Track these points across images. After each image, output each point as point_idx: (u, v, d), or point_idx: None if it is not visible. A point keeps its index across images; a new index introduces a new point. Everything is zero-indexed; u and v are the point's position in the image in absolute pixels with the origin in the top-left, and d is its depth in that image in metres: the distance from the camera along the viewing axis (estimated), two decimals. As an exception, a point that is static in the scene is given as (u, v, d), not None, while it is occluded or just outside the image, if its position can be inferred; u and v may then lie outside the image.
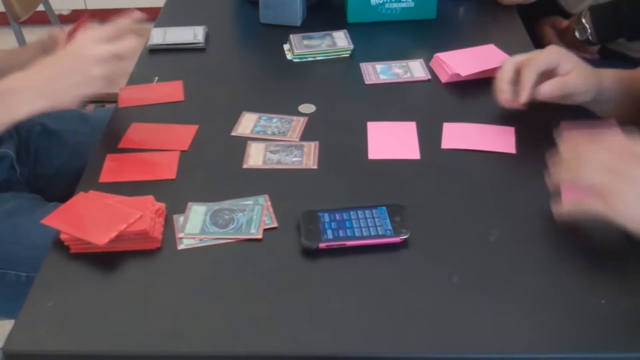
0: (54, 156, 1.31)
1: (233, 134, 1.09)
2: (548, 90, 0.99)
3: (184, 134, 1.08)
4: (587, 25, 1.43)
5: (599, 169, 0.80)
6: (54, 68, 0.99)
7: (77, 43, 1.01)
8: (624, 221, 0.79)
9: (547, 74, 1.02)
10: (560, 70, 1.00)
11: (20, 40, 1.88)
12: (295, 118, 1.12)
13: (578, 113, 1.06)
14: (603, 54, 1.53)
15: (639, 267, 0.84)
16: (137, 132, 1.10)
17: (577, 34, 1.45)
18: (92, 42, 1.00)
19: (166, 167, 1.01)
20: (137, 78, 1.25)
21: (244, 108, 1.14)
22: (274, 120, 1.11)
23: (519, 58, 1.04)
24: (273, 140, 1.07)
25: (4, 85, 0.98)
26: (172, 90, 1.20)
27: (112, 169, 1.01)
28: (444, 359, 0.76)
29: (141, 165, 1.02)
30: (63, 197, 0.96)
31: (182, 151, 1.05)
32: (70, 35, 1.15)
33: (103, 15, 1.16)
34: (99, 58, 0.98)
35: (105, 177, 1.00)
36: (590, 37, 1.43)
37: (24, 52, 1.23)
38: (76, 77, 0.98)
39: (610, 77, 1.04)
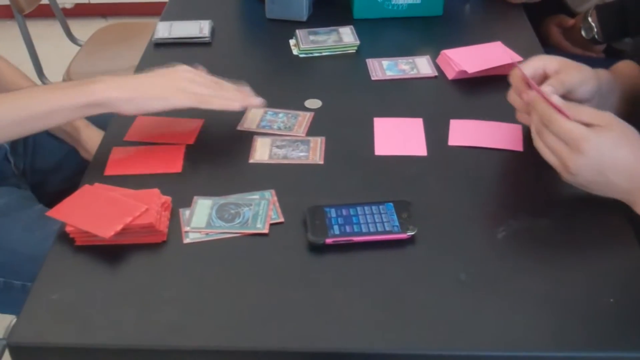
0: (52, 150, 1.30)
1: (239, 128, 1.09)
2: (549, 89, 0.96)
3: (189, 128, 1.08)
4: (593, 24, 1.42)
5: (549, 154, 0.89)
6: (147, 77, 1.00)
7: (177, 69, 1.02)
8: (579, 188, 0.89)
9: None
10: (548, 72, 0.99)
11: (25, 33, 1.88)
12: (301, 113, 1.11)
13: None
14: (609, 54, 1.53)
15: (648, 266, 0.84)
16: (142, 126, 1.09)
17: (583, 32, 1.45)
18: (189, 69, 1.03)
19: (172, 161, 1.00)
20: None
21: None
22: (280, 115, 1.11)
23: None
24: (279, 135, 1.06)
25: (91, 92, 0.96)
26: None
27: (118, 162, 1.01)
28: (450, 356, 0.76)
29: (147, 158, 1.02)
30: (60, 191, 0.95)
31: (188, 145, 1.04)
32: None
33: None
34: (193, 78, 1.00)
35: (110, 170, 0.99)
36: (596, 36, 1.43)
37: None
38: (166, 90, 0.98)
39: (606, 72, 1.03)
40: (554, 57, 1.00)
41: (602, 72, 1.03)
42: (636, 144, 0.86)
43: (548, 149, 0.89)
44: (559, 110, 0.87)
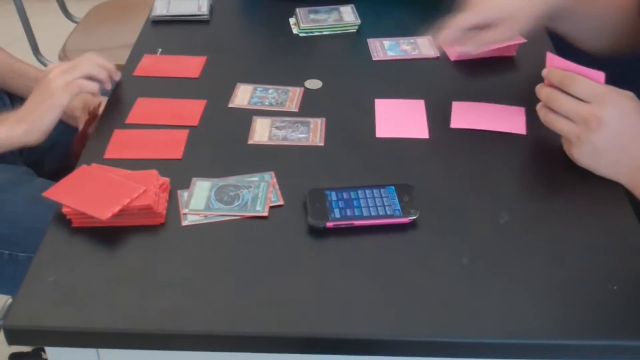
0: None
1: (230, 105, 1.07)
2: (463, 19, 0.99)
3: (192, 109, 1.06)
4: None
5: (562, 121, 0.87)
6: (30, 101, 1.07)
7: (46, 76, 1.07)
8: (577, 162, 0.89)
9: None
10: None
11: (20, 9, 1.85)
12: (291, 88, 1.10)
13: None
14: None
15: (651, 253, 0.83)
16: (144, 107, 1.07)
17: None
18: (54, 66, 1.08)
19: (173, 146, 0.99)
20: (139, 49, 1.22)
21: (247, 82, 1.12)
22: (270, 91, 1.10)
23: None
24: (273, 112, 1.05)
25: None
26: (192, 65, 1.18)
27: (118, 145, 0.99)
28: (452, 342, 0.75)
29: (148, 142, 1.00)
30: (57, 169, 0.94)
31: (191, 128, 1.02)
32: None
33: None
34: (59, 71, 1.06)
35: (110, 153, 0.98)
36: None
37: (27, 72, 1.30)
38: (45, 101, 1.05)
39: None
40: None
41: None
42: None
43: (563, 116, 0.87)
44: (595, 78, 0.86)
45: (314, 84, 1.13)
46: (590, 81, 0.86)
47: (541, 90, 0.91)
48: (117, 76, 1.12)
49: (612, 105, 0.84)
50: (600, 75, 0.87)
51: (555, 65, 0.90)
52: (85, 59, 1.09)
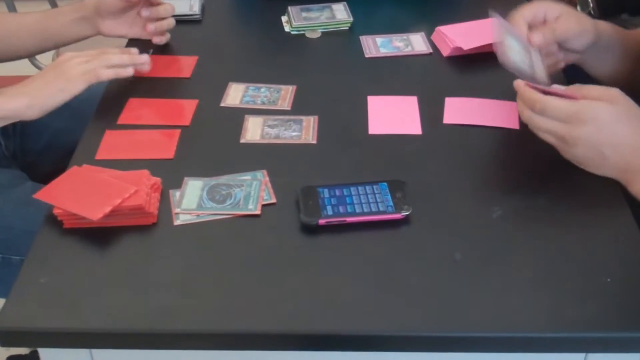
0: (42, 131, 1.28)
1: (222, 105, 1.07)
2: (539, 37, 0.95)
3: (184, 109, 1.06)
4: (589, 0, 1.41)
5: (549, 136, 0.87)
6: (40, 78, 1.05)
7: (64, 57, 1.06)
8: (575, 163, 0.88)
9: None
10: (548, 18, 0.97)
11: (12, 11, 1.84)
12: (283, 87, 1.10)
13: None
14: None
15: (645, 245, 0.82)
16: (135, 108, 1.07)
17: (579, 8, 1.43)
18: (73, 54, 1.07)
19: (165, 146, 0.98)
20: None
21: (240, 81, 1.12)
22: (262, 89, 1.10)
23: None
24: (265, 111, 1.05)
25: None
26: (184, 65, 1.18)
27: (110, 145, 0.99)
28: (446, 337, 0.75)
29: (140, 143, 1.00)
30: (52, 172, 0.94)
31: (182, 127, 1.02)
32: None
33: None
34: (79, 61, 1.04)
35: (102, 154, 0.97)
36: (592, 12, 1.41)
37: (60, 17, 1.24)
38: (59, 83, 1.03)
39: (608, 27, 1.01)
40: (556, 4, 0.98)
41: (603, 26, 1.00)
42: (637, 120, 0.84)
43: (546, 132, 0.87)
44: (566, 96, 0.85)
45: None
46: (559, 102, 0.85)
47: (522, 113, 0.90)
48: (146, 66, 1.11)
49: (587, 121, 0.83)
50: (567, 92, 0.86)
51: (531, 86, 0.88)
52: (106, 54, 1.08)
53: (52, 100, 1.02)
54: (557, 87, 0.88)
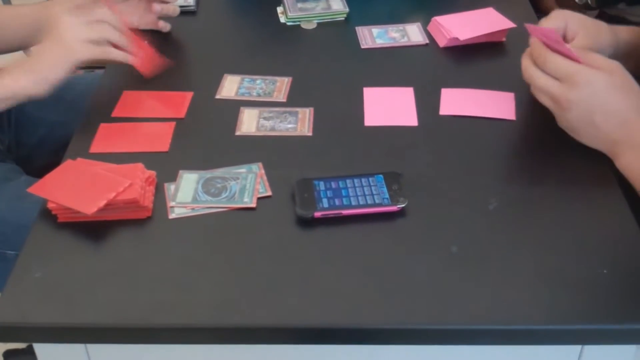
0: (37, 124, 1.28)
1: (217, 96, 1.06)
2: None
3: (179, 101, 1.05)
4: (587, -11, 1.40)
5: (543, 96, 0.89)
6: (43, 51, 1.00)
7: (59, 25, 1.01)
8: (568, 131, 0.90)
9: None
10: (568, 35, 0.97)
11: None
12: (279, 78, 1.09)
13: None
14: (602, 19, 1.50)
15: (642, 236, 0.82)
16: (130, 100, 1.06)
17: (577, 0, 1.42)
18: (72, 18, 1.01)
19: (160, 139, 0.98)
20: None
21: (235, 73, 1.11)
22: (258, 81, 1.09)
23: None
24: (261, 103, 1.04)
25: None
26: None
27: (105, 138, 0.98)
28: (442, 330, 0.75)
29: (134, 136, 0.99)
30: (47, 165, 0.93)
31: (177, 120, 1.01)
32: None
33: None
34: (80, 27, 0.99)
35: (96, 147, 0.97)
36: (589, 2, 1.40)
37: (54, 6, 1.18)
38: (59, 51, 0.98)
39: (626, 31, 1.02)
40: (575, 17, 0.98)
41: (621, 32, 1.01)
42: (633, 94, 0.85)
43: (542, 90, 0.88)
44: (572, 58, 0.86)
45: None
46: (561, 60, 0.87)
47: (525, 70, 0.91)
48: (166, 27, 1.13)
49: (581, 85, 0.85)
50: (573, 53, 0.86)
51: (536, 35, 0.90)
52: (106, 20, 1.01)
53: (57, 72, 0.98)
54: (567, 47, 0.88)
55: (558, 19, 0.98)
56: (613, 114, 0.85)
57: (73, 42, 0.98)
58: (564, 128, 0.90)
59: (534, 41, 0.91)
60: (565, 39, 0.97)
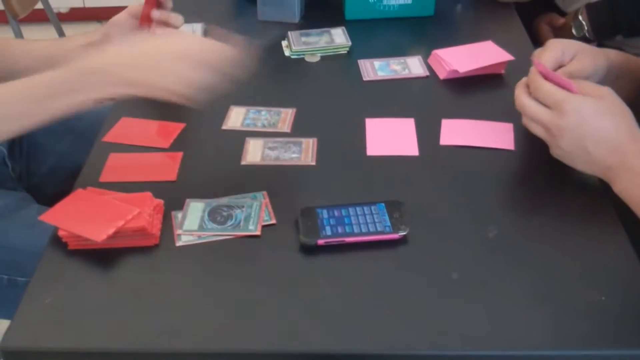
0: (48, 153, 1.30)
1: (224, 127, 1.09)
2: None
3: (168, 132, 1.08)
4: (583, 23, 1.43)
5: (535, 126, 0.91)
6: (150, 56, 0.90)
7: (170, 38, 0.94)
8: (562, 159, 0.91)
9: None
10: (564, 60, 1.00)
11: (18, 37, 1.88)
12: (283, 110, 1.12)
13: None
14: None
15: (639, 263, 0.84)
16: (124, 128, 1.10)
17: (573, 31, 1.45)
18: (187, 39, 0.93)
19: (168, 169, 1.00)
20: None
21: (241, 104, 1.14)
22: (263, 112, 1.12)
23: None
24: (266, 133, 1.07)
25: (88, 64, 0.90)
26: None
27: (114, 168, 1.01)
28: (443, 356, 0.76)
29: (143, 166, 1.02)
30: (57, 194, 0.95)
31: (177, 150, 1.04)
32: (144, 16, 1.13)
33: (101, 14, 1.17)
34: (196, 59, 0.91)
35: (106, 176, 0.99)
36: (587, 34, 1.43)
37: (67, 43, 1.20)
38: (174, 71, 0.89)
39: (616, 54, 1.04)
40: (571, 44, 1.01)
41: (613, 55, 1.03)
42: (622, 118, 0.86)
43: (533, 119, 0.90)
44: (564, 85, 0.88)
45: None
46: (551, 87, 0.88)
47: (517, 98, 0.94)
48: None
49: (571, 112, 0.86)
50: (571, 84, 0.88)
51: (539, 70, 0.92)
52: (221, 60, 0.92)
53: (160, 88, 0.89)
54: (560, 76, 0.90)
55: (554, 47, 1.00)
56: (604, 139, 0.86)
57: (174, 79, 0.90)
58: (557, 157, 0.91)
59: (532, 70, 0.93)
60: (562, 63, 0.99)
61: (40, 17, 2.14)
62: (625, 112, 0.87)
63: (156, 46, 0.93)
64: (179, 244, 0.88)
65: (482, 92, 1.17)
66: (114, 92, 0.90)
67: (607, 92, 0.88)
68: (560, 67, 0.99)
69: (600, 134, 0.86)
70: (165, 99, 0.90)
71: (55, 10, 2.12)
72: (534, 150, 0.99)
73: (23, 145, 1.29)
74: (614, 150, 0.85)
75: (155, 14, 1.14)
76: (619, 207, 0.88)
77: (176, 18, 1.17)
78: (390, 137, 1.06)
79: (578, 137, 0.86)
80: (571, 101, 0.86)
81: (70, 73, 0.90)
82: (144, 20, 1.14)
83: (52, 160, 1.31)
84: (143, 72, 0.89)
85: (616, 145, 0.86)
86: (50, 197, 1.16)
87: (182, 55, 0.90)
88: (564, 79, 0.90)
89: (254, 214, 0.90)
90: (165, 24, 1.16)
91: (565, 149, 0.88)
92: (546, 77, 0.91)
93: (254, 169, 1.01)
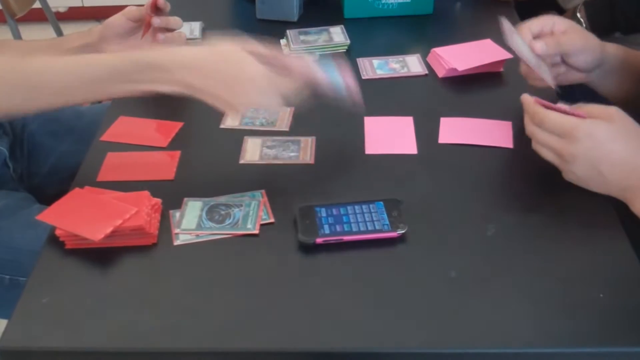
0: (48, 153, 1.30)
1: (222, 126, 1.09)
2: (541, 46, 0.97)
3: (166, 131, 1.08)
4: (582, 20, 1.43)
5: (546, 151, 0.88)
6: (219, 67, 0.92)
7: (237, 56, 0.94)
8: (576, 183, 0.87)
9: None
10: (555, 31, 0.99)
11: (17, 38, 1.88)
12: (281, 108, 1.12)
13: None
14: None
15: (638, 261, 0.83)
16: (121, 126, 1.10)
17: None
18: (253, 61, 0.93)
19: (165, 168, 1.00)
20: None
21: (240, 103, 1.14)
22: (261, 111, 1.12)
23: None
24: (264, 132, 1.07)
25: (153, 59, 0.90)
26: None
27: (112, 167, 1.01)
28: (442, 354, 0.76)
29: (140, 165, 1.01)
30: (58, 194, 0.95)
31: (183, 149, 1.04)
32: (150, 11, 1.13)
33: (99, 13, 1.16)
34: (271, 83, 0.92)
35: (103, 175, 0.99)
36: (585, 31, 1.43)
37: (63, 44, 1.20)
38: (245, 92, 0.91)
39: (614, 47, 1.03)
40: (565, 20, 1.00)
41: (610, 47, 1.02)
42: (636, 138, 0.84)
43: (544, 147, 0.88)
44: (571, 113, 0.85)
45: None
46: (557, 116, 0.85)
47: (527, 126, 0.91)
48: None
49: (583, 139, 0.83)
50: (576, 110, 0.86)
51: (540, 103, 0.89)
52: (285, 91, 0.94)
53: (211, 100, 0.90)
54: (562, 105, 0.88)
55: (547, 17, 0.99)
56: (619, 162, 0.83)
57: (261, 87, 0.92)
58: (571, 181, 0.87)
59: (526, 101, 0.90)
60: (552, 33, 0.99)
61: (38, 17, 2.14)
62: (637, 131, 0.85)
63: (227, 59, 0.93)
64: (176, 243, 0.87)
65: (480, 90, 1.16)
66: (168, 90, 0.90)
67: (616, 112, 0.85)
68: (550, 36, 0.98)
69: (614, 157, 0.83)
70: (216, 107, 0.91)
71: (53, 10, 2.11)
72: (532, 149, 0.99)
73: (24, 146, 1.30)
74: (631, 172, 0.83)
75: (155, 21, 1.15)
76: (618, 205, 0.87)
77: (175, 21, 1.18)
78: (388, 135, 1.06)
79: (592, 162, 0.83)
80: (582, 128, 0.83)
81: (131, 63, 0.90)
82: (147, 28, 1.15)
83: (53, 160, 1.31)
84: (207, 79, 0.90)
85: (633, 168, 0.83)
86: (51, 197, 1.16)
87: (253, 78, 0.92)
88: (567, 107, 0.87)
89: (252, 212, 0.90)
90: (165, 28, 1.17)
91: (578, 174, 0.85)
92: (543, 104, 0.89)
93: (252, 167, 1.01)
